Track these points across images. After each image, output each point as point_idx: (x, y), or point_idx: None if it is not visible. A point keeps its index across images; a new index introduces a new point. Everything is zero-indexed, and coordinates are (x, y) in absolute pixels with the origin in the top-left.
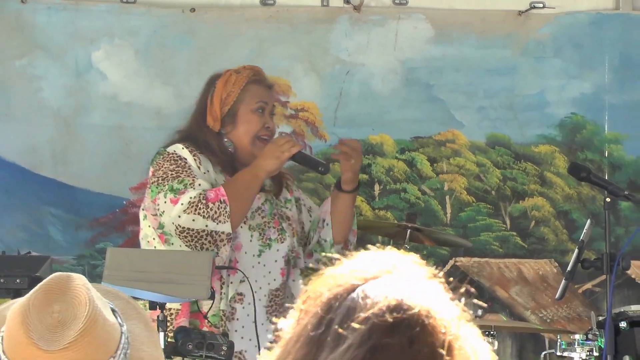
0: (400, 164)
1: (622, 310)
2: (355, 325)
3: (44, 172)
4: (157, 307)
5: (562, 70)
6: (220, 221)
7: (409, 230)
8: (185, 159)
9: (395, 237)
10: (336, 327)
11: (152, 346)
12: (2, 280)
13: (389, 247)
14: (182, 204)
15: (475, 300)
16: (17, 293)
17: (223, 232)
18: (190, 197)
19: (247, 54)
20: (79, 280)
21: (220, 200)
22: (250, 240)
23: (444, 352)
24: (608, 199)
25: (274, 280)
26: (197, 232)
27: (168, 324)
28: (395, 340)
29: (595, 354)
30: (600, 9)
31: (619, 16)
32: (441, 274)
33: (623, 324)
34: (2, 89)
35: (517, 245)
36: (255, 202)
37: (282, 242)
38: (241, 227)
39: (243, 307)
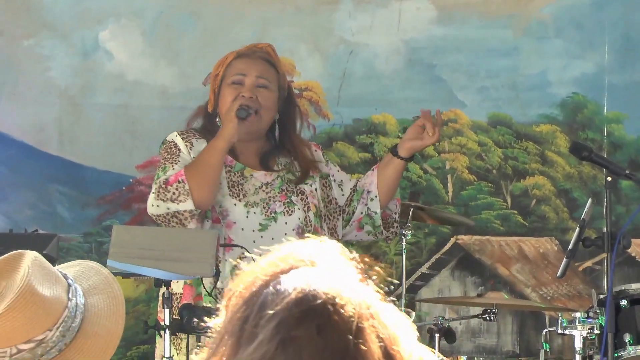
0: None
1: (623, 288)
2: (264, 321)
3: (51, 150)
4: (163, 284)
5: (564, 50)
6: (180, 200)
7: (411, 209)
8: (178, 146)
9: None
10: (249, 324)
11: (112, 320)
12: None
13: (308, 235)
14: (152, 193)
15: None
16: None
17: (185, 210)
18: (155, 185)
19: (252, 35)
20: (28, 257)
21: (178, 181)
22: (247, 217)
23: (351, 336)
24: (609, 178)
25: None
26: (164, 217)
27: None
28: (303, 331)
29: (596, 331)
30: None
31: None
32: (355, 255)
33: (624, 302)
34: (10, 68)
35: (518, 224)
36: (263, 179)
37: (290, 215)
38: (235, 204)
39: None
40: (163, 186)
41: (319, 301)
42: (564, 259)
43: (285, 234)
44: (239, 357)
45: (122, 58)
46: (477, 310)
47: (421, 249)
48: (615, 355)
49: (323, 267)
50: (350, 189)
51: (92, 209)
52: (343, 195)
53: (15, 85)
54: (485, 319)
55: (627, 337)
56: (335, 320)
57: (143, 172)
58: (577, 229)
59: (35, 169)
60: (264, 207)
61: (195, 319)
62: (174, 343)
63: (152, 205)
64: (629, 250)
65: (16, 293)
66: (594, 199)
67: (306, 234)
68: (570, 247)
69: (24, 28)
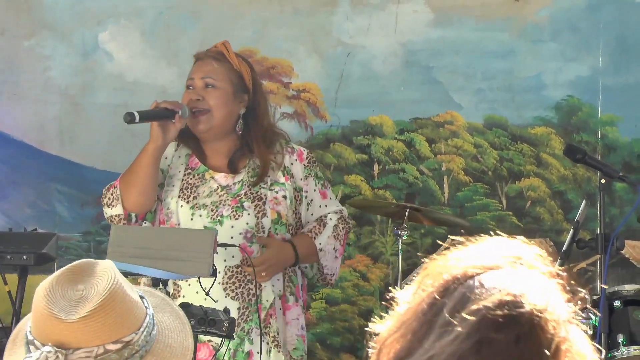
0: (399, 144)
1: (616, 289)
2: (465, 315)
3: (51, 150)
4: (160, 283)
5: (559, 53)
6: (113, 205)
7: (407, 210)
8: None
9: (394, 217)
10: (447, 313)
11: (182, 335)
12: (9, 257)
13: (517, 236)
14: None
15: None
16: (23, 269)
17: (115, 215)
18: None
19: (250, 35)
20: (106, 264)
21: (114, 187)
22: (192, 219)
23: (549, 353)
24: (603, 180)
25: (232, 257)
26: (108, 220)
27: None
28: (503, 336)
29: (590, 332)
30: None
31: (615, 0)
32: (564, 273)
33: (617, 303)
34: (11, 68)
35: (513, 225)
36: (223, 181)
37: (237, 219)
38: (181, 206)
39: (189, 285)
40: (105, 192)
41: (526, 309)
42: (558, 260)
43: (232, 237)
44: (428, 342)
45: (121, 58)
46: None
47: (417, 250)
48: (609, 355)
49: (530, 273)
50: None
51: (92, 208)
52: (308, 212)
53: (16, 85)
54: None
55: (620, 338)
56: (537, 333)
57: None
58: (571, 230)
59: (35, 168)
60: (212, 210)
61: (192, 319)
62: None
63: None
64: (622, 251)
65: (107, 291)
66: (588, 200)
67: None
68: (564, 248)
69: (25, 28)
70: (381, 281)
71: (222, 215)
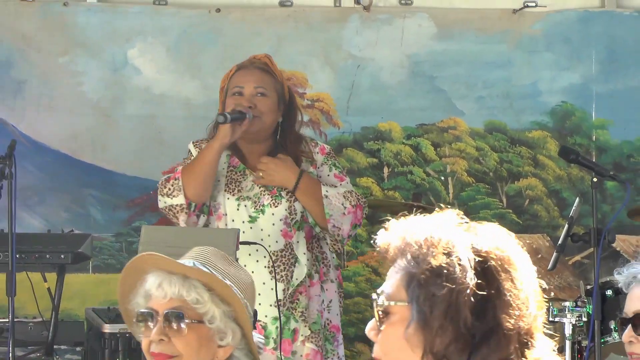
0: (406, 148)
1: (608, 279)
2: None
3: (84, 158)
4: None
5: (553, 62)
6: (174, 195)
7: (415, 209)
8: (191, 152)
9: (403, 215)
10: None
11: None
12: (48, 256)
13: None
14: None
15: None
16: (61, 267)
17: (177, 205)
18: (159, 183)
19: (267, 50)
20: None
21: (175, 178)
22: (238, 209)
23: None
24: (595, 179)
25: (276, 242)
26: (164, 210)
27: None
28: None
29: (584, 319)
30: (587, 7)
31: (604, 13)
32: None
33: (609, 292)
34: (46, 83)
35: (513, 222)
36: None
37: (276, 207)
38: (227, 198)
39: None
40: (163, 183)
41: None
42: (554, 253)
43: (273, 224)
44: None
45: (149, 73)
46: None
47: None
48: (602, 340)
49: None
50: None
51: (123, 211)
52: None
53: (51, 99)
54: None
55: (612, 324)
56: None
57: None
58: (566, 225)
59: (70, 175)
60: (255, 202)
61: None
62: None
63: (158, 200)
64: (613, 245)
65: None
66: (581, 198)
67: (291, 222)
68: (559, 242)
69: (60, 46)
70: None
71: (263, 205)
